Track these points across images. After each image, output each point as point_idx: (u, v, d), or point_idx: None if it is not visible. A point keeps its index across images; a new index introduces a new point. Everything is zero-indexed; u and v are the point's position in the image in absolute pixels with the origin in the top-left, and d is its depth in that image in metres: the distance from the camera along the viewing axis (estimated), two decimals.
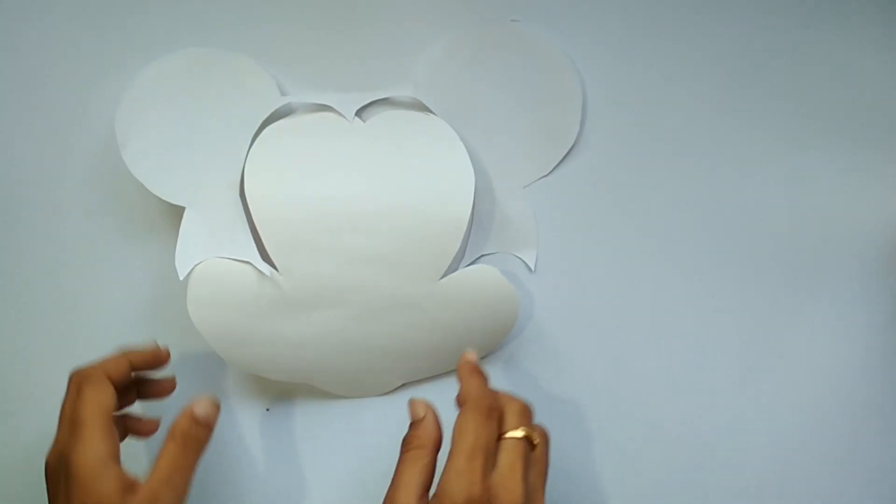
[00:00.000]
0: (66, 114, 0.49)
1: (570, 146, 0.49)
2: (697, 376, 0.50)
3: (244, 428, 0.51)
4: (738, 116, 0.50)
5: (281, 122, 0.47)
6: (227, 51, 0.48)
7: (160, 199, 0.47)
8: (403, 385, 0.51)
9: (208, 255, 0.46)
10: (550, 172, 0.50)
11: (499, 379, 0.51)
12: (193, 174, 0.47)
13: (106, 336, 0.49)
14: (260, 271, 0.45)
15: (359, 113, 0.48)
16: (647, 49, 0.49)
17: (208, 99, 0.48)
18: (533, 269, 0.50)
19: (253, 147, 0.46)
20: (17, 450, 0.50)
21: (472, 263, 0.49)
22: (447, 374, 0.50)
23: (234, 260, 0.46)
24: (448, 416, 0.40)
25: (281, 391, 0.51)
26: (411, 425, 0.41)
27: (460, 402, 0.40)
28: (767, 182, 0.50)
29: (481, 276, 0.47)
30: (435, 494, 0.37)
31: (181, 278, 0.45)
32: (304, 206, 0.45)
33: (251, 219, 0.46)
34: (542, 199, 0.50)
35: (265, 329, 0.47)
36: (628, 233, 0.50)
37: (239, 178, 0.47)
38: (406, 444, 0.40)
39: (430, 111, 0.48)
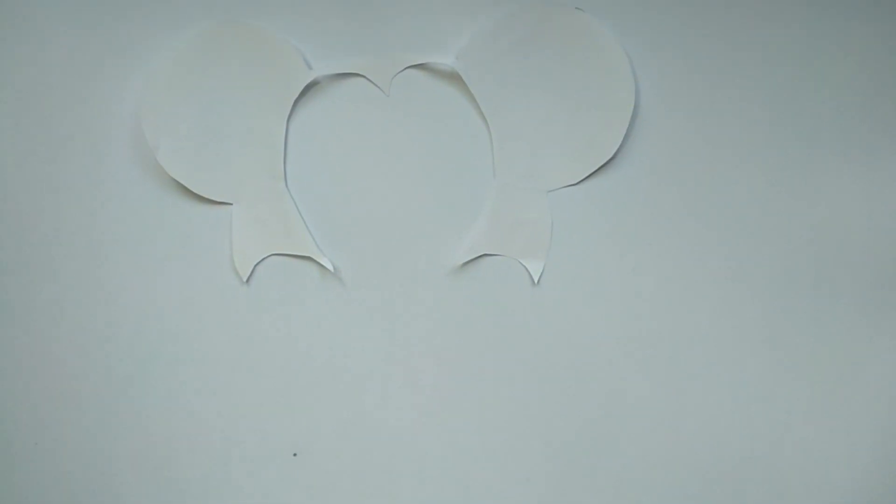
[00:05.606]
0: (93, 100, 0.46)
1: (608, 157, 0.44)
2: (766, 412, 0.45)
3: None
4: (808, 135, 0.44)
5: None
6: (246, 23, 0.45)
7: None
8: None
9: (266, 252, 0.44)
10: (580, 181, 0.45)
11: (500, 395, 0.46)
12: (233, 168, 0.45)
13: (145, 334, 0.47)
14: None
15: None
16: (716, 63, 0.44)
17: (232, 80, 0.45)
18: (536, 282, 0.44)
19: (290, 131, 0.44)
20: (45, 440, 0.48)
21: (472, 260, 0.44)
22: None
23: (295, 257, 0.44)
24: None
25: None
26: None
27: None
28: (841, 197, 0.44)
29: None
30: None
31: (244, 280, 0.44)
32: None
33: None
34: (565, 208, 0.45)
35: None
36: (658, 259, 0.44)
37: (282, 168, 0.44)
38: None
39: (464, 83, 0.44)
